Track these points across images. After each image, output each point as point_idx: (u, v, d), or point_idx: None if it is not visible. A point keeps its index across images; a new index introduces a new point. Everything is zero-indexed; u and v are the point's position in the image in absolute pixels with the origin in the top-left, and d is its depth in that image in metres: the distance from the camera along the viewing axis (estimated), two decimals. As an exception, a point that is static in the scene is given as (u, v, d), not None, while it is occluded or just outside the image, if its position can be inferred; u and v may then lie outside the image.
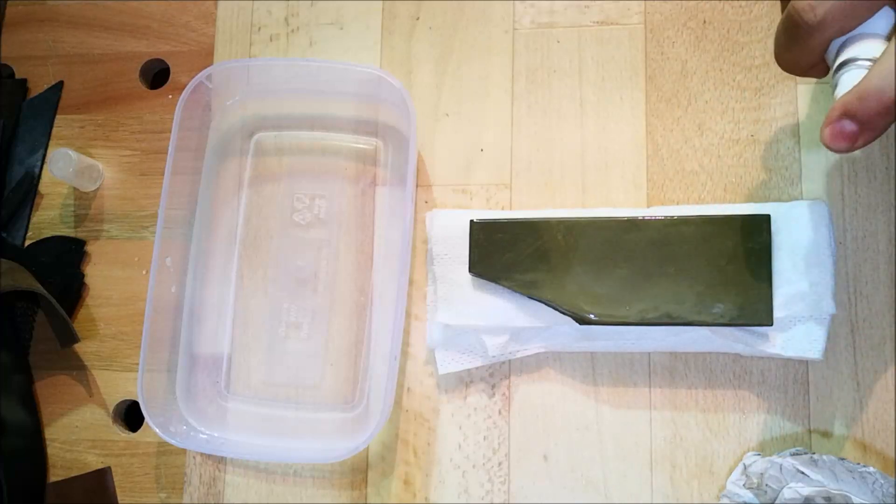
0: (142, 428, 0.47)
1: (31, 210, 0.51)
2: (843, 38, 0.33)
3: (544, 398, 0.43)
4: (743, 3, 0.46)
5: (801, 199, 0.43)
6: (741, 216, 0.41)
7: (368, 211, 0.47)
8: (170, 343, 0.46)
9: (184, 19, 0.52)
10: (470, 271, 0.43)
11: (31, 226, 0.51)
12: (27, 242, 0.50)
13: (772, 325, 0.39)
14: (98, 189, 0.50)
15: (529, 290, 0.41)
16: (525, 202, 0.46)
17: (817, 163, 0.43)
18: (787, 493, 0.37)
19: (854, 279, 0.42)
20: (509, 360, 0.44)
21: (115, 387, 0.48)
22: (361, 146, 0.48)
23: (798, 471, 0.37)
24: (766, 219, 0.40)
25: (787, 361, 0.42)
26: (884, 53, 0.32)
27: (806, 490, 0.36)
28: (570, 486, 0.42)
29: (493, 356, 0.43)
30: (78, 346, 0.48)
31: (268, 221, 0.48)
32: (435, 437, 0.44)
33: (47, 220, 0.51)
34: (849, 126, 0.32)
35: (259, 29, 0.50)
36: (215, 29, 0.51)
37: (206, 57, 0.51)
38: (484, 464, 0.43)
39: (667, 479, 0.42)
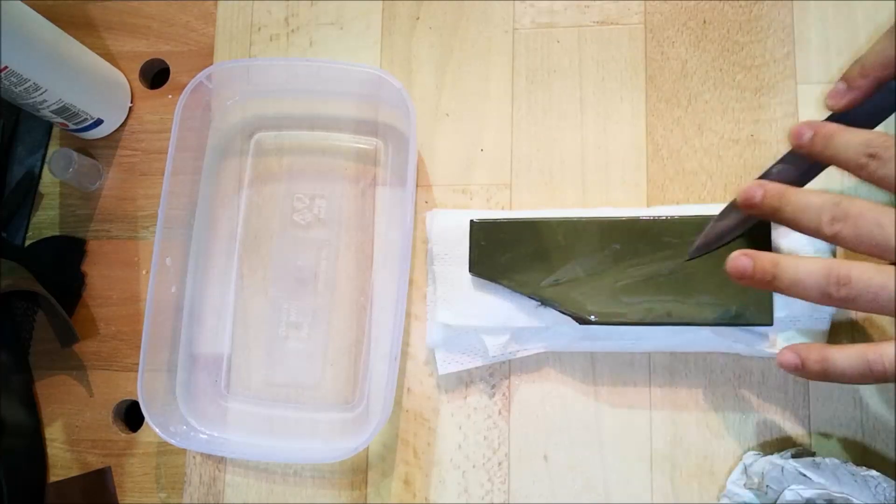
0: (142, 428, 0.47)
1: (31, 210, 0.51)
2: None
3: (544, 398, 0.43)
4: (743, 3, 0.46)
5: (802, 199, 0.43)
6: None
7: (368, 211, 0.47)
8: (170, 343, 0.46)
9: (184, 19, 0.52)
10: (470, 271, 0.43)
11: (31, 226, 0.51)
12: (27, 242, 0.50)
13: (772, 325, 0.39)
14: (98, 189, 0.50)
15: (529, 290, 0.41)
16: (525, 202, 0.46)
17: (817, 163, 0.43)
18: (788, 495, 0.36)
19: (854, 279, 0.42)
20: (509, 360, 0.44)
21: (115, 387, 0.48)
22: (361, 146, 0.48)
23: (800, 473, 0.37)
24: (766, 218, 0.40)
25: (788, 361, 0.41)
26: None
27: (808, 492, 0.36)
28: (570, 486, 0.42)
29: (493, 356, 0.43)
30: (78, 346, 0.48)
31: (268, 221, 0.48)
32: (435, 437, 0.44)
33: (47, 220, 0.51)
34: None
35: (259, 29, 0.50)
36: (215, 29, 0.51)
37: (206, 57, 0.51)
38: (484, 464, 0.43)
39: (667, 479, 0.41)
